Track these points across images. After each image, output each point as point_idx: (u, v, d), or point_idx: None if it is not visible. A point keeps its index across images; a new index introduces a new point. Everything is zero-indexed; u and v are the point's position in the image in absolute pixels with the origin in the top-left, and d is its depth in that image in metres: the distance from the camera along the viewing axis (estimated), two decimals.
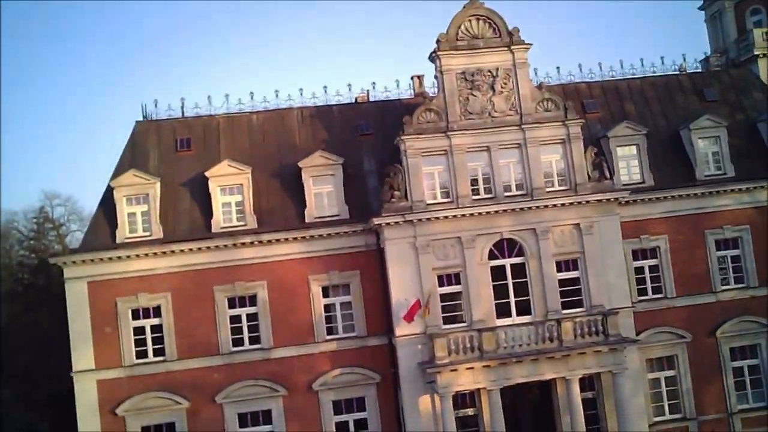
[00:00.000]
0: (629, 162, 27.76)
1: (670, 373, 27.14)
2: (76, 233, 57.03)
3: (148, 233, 26.69)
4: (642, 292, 27.25)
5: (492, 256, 25.31)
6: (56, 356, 50.47)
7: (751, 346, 27.56)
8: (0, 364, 37.32)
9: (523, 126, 25.76)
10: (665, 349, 27.04)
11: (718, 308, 27.43)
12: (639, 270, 27.32)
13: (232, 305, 26.59)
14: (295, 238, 26.46)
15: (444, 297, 25.25)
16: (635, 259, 27.27)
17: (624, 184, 27.01)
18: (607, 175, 25.78)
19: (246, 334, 26.57)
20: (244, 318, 26.61)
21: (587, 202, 25.33)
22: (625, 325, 24.73)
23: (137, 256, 26.07)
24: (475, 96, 25.72)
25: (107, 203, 27.24)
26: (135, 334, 26.26)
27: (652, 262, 27.43)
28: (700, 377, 27.19)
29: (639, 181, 27.64)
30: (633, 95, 30.25)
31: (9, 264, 57.88)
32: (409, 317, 23.88)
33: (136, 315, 26.35)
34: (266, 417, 26.28)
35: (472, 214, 25.02)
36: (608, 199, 25.46)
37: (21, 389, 44.86)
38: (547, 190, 25.57)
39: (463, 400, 25.00)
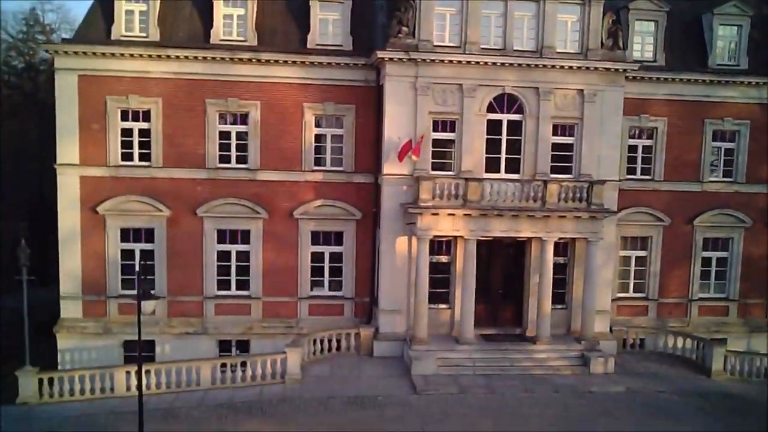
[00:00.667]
0: (644, 38, 27.05)
1: (642, 253, 27.74)
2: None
3: (144, 34, 25.91)
4: (631, 171, 27.33)
5: (491, 109, 24.96)
6: (38, 163, 50.37)
7: (725, 239, 28.11)
8: None
9: None
10: (642, 230, 27.49)
11: (701, 198, 27.68)
12: (632, 149, 27.27)
13: (223, 121, 26.30)
14: (294, 62, 25.80)
15: (436, 143, 25.06)
16: (631, 137, 27.18)
17: (635, 60, 26.33)
18: (621, 45, 25.07)
19: (234, 152, 26.44)
20: (233, 135, 26.38)
21: (596, 68, 24.78)
22: (609, 198, 24.90)
23: (131, 55, 25.37)
24: None
25: None
26: (122, 136, 25.98)
27: (647, 142, 27.36)
28: (669, 261, 27.87)
29: (650, 59, 27.06)
30: None
31: None
32: (401, 156, 23.78)
33: (125, 116, 25.99)
34: (244, 237, 26.65)
35: (478, 63, 24.38)
36: (617, 69, 24.90)
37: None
38: (558, 50, 24.88)
39: (439, 246, 25.39)
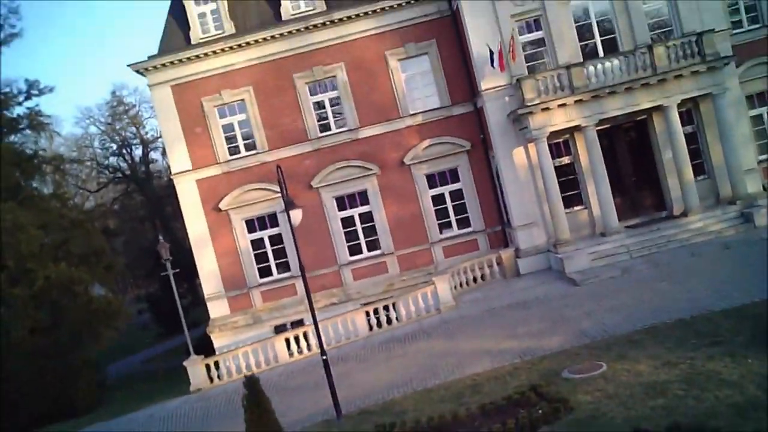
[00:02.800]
0: None
1: None
2: (149, 120, 58.60)
3: (220, 31, 26.75)
4: (737, 24, 25.54)
5: None
6: (151, 231, 53.28)
7: None
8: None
9: None
10: (766, 82, 25.52)
11: None
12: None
13: (313, 91, 26.63)
14: (366, 13, 25.92)
15: (525, 46, 24.36)
16: None
17: None
18: None
19: (331, 119, 26.68)
20: (326, 103, 26.64)
21: None
22: (723, 48, 23.27)
23: (214, 52, 26.19)
24: None
25: (176, 8, 27.30)
26: (225, 132, 26.71)
27: None
28: None
29: None
30: None
31: (93, 154, 60.00)
32: (501, 64, 23.08)
33: (222, 113, 26.80)
34: (362, 197, 26.66)
35: None
36: None
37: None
38: None
39: (557, 149, 24.47)
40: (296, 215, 14.97)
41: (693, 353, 12.50)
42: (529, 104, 22.56)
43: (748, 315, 13.79)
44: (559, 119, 22.73)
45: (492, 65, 23.18)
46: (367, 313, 22.54)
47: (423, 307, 22.36)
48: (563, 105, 22.55)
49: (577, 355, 14.16)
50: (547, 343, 15.62)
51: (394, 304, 22.66)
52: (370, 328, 22.34)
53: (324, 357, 14.96)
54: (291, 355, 22.36)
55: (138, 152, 61.49)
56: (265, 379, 19.01)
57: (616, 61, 22.71)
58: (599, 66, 22.73)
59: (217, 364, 22.70)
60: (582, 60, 23.86)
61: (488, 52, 23.39)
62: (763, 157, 25.71)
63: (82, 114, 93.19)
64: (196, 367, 22.58)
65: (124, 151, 61.34)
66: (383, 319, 22.50)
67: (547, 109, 22.54)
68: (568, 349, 14.78)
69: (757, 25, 25.57)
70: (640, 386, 11.51)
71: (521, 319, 18.40)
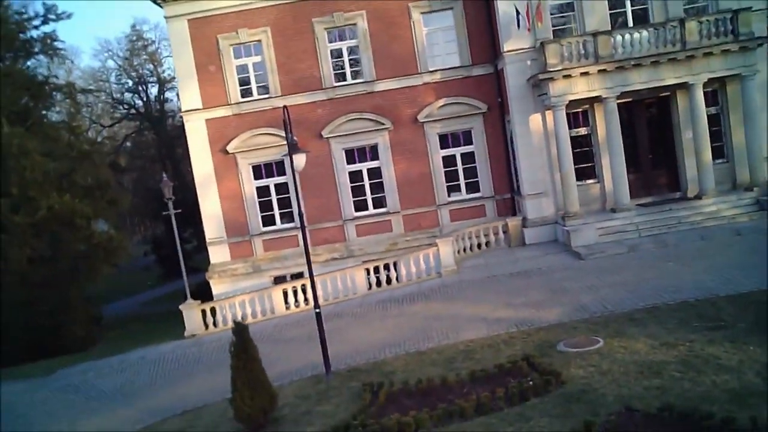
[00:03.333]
0: None
1: None
2: (168, 58, 57.85)
3: None
4: None
5: None
6: (161, 172, 53.21)
7: None
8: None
9: None
10: None
11: None
12: None
13: (332, 39, 25.97)
14: None
15: (553, 9, 23.60)
16: None
17: None
18: None
19: (348, 69, 26.09)
20: (344, 51, 26.02)
21: None
22: (757, 27, 22.41)
23: None
24: None
25: None
26: (238, 73, 26.17)
27: None
28: None
29: None
30: None
31: (109, 88, 59.54)
32: (529, 23, 22.34)
33: (238, 53, 26.22)
34: (373, 152, 26.19)
35: None
36: None
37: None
38: None
39: (575, 118, 23.86)
40: (300, 159, 14.56)
41: (693, 336, 12.17)
42: (551, 69, 21.91)
43: (752, 302, 13.41)
44: (581, 88, 22.09)
45: (518, 26, 22.42)
46: (368, 271, 22.25)
47: (424, 270, 22.08)
48: (586, 73, 21.88)
49: (575, 329, 13.86)
50: (546, 314, 15.31)
51: (395, 264, 22.39)
52: (369, 286, 22.12)
53: (317, 310, 14.73)
54: (288, 307, 22.23)
55: (154, 90, 61.13)
56: (259, 330, 19.07)
57: (645, 33, 21.94)
58: (627, 36, 21.98)
59: (213, 310, 22.58)
60: (610, 29, 23.05)
61: (515, 13, 22.60)
62: None
63: (101, 46, 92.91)
64: (191, 312, 22.48)
65: (140, 88, 60.90)
66: (383, 278, 22.23)
67: (569, 76, 21.88)
68: (566, 322, 14.48)
69: None
70: (635, 365, 11.20)
71: (521, 288, 18.09)
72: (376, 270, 22.35)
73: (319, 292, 21.85)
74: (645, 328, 13.08)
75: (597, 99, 22.57)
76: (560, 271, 19.32)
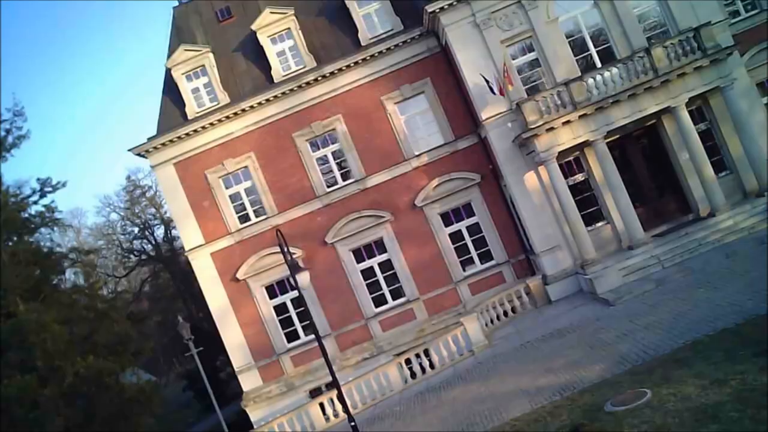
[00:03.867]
0: None
1: None
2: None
3: (215, 102, 26.73)
4: (734, 14, 24.89)
5: (559, 10, 23.61)
6: (183, 308, 53.45)
7: None
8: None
9: None
10: None
11: None
12: None
13: (314, 147, 26.38)
14: (356, 63, 25.71)
15: (521, 69, 23.86)
16: None
17: None
18: None
19: (337, 172, 26.32)
20: (330, 157, 26.31)
21: None
22: (723, 39, 22.57)
23: (212, 124, 26.13)
24: None
25: (170, 87, 27.37)
26: (232, 201, 26.49)
27: None
28: None
29: None
30: None
31: (117, 240, 60.59)
32: (502, 90, 22.61)
33: (228, 183, 26.61)
34: (379, 246, 26.11)
35: None
36: None
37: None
38: None
39: (569, 167, 23.77)
40: (303, 278, 14.38)
41: (743, 366, 11.55)
42: (532, 126, 21.96)
43: None
44: (566, 137, 22.07)
45: (492, 92, 22.67)
46: (400, 365, 21.69)
47: (455, 351, 21.52)
48: (568, 122, 21.92)
49: (619, 384, 13.24)
50: (586, 373, 14.70)
51: (426, 352, 21.84)
52: (405, 380, 21.47)
53: (352, 423, 14.18)
54: (327, 419, 21.58)
55: (160, 232, 61.96)
56: None
57: (615, 70, 22.09)
58: (598, 77, 22.12)
59: None
60: (580, 74, 23.26)
61: (484, 81, 22.91)
62: None
63: (102, 203, 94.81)
64: None
65: (147, 232, 61.82)
66: (417, 368, 21.63)
67: (552, 128, 21.91)
68: (608, 378, 13.86)
69: (756, 11, 24.87)
70: (689, 412, 10.58)
71: (557, 350, 17.49)
72: (408, 362, 21.78)
73: (356, 397, 21.46)
74: (690, 367, 12.46)
75: (586, 143, 22.51)
76: (592, 323, 18.72)
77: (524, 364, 17.59)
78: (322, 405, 21.71)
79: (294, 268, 14.45)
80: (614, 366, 14.48)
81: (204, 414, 48.07)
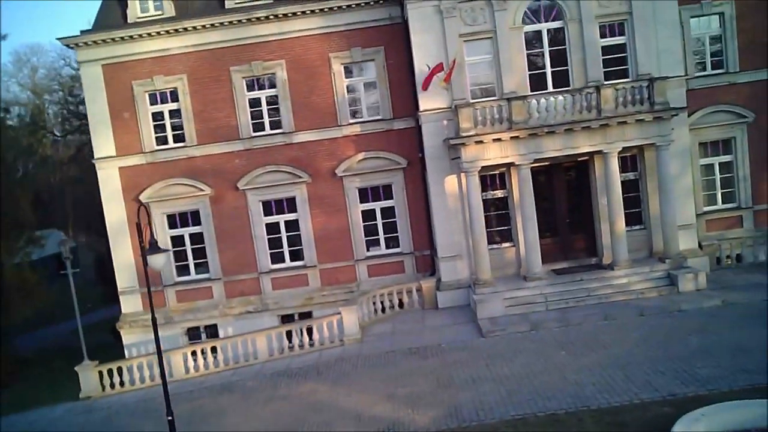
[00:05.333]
0: None
1: (726, 158, 24.62)
2: None
3: (160, 12, 25.24)
4: (700, 67, 24.23)
5: (526, 20, 22.64)
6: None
7: None
8: None
9: None
10: (722, 131, 24.36)
11: None
12: (698, 42, 24.14)
13: (250, 87, 25.23)
14: (313, 11, 24.41)
15: (472, 68, 23.00)
16: (694, 29, 24.04)
17: None
18: None
19: (266, 118, 25.37)
20: (263, 100, 25.29)
21: None
22: (676, 96, 22.05)
23: (149, 35, 24.71)
24: None
25: None
26: (153, 120, 25.40)
27: (714, 32, 24.17)
28: (759, 162, 24.57)
29: None
30: None
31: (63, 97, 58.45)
32: (425, 84, 21.89)
33: (153, 100, 25.45)
34: (290, 204, 25.51)
35: None
36: None
37: None
38: None
39: (492, 181, 23.33)
40: (157, 261, 13.78)
41: None
42: (463, 134, 21.36)
43: (613, 423, 12.85)
44: (493, 154, 21.54)
45: (422, 85, 21.90)
46: (272, 336, 21.63)
47: (328, 336, 21.44)
48: (498, 139, 21.30)
49: None
50: (419, 418, 14.74)
51: (300, 330, 21.73)
52: (270, 353, 21.39)
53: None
54: (187, 371, 21.51)
55: None
56: (148, 397, 18.45)
57: (561, 98, 21.44)
58: (543, 101, 21.47)
59: (110, 372, 21.81)
60: (529, 89, 22.72)
61: (427, 70, 22.05)
62: (709, 208, 24.67)
63: (58, 54, 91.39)
64: (87, 374, 21.79)
65: None
66: (285, 343, 21.59)
67: (482, 142, 21.30)
68: None
69: (721, 71, 24.25)
70: None
71: (410, 374, 17.51)
72: (287, 335, 21.74)
73: (220, 356, 21.38)
74: None
75: (513, 163, 22.01)
76: (457, 351, 18.76)
77: (375, 380, 17.58)
78: (185, 355, 21.58)
79: (151, 246, 13.82)
80: (445, 418, 14.52)
81: (103, 302, 47.62)
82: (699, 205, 24.37)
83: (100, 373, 21.83)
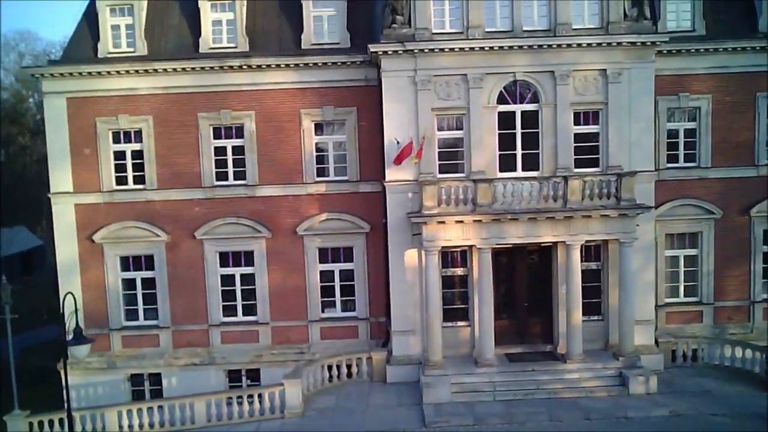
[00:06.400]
0: (679, 6, 23.75)
1: (692, 251, 24.38)
2: None
3: (131, 49, 24.57)
4: (672, 158, 24.05)
5: (501, 100, 22.32)
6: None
7: None
8: None
9: None
10: (689, 225, 24.15)
11: (757, 184, 24.07)
12: (672, 133, 23.94)
13: (217, 135, 24.63)
14: (288, 65, 23.91)
15: (442, 143, 22.64)
16: (670, 120, 23.86)
17: (670, 31, 23.15)
18: (647, 14, 21.93)
19: (231, 168, 24.77)
20: (229, 150, 24.69)
21: (619, 44, 21.74)
22: (644, 191, 21.82)
23: (118, 72, 24.06)
24: None
25: (91, 13, 24.99)
26: (115, 159, 24.74)
27: (689, 125, 24.00)
28: (724, 259, 24.40)
29: (688, 29, 23.77)
30: None
31: None
32: (398, 160, 21.56)
33: (116, 138, 24.76)
34: (248, 258, 24.90)
35: (483, 49, 21.82)
36: (644, 43, 21.76)
37: None
38: (574, 27, 21.97)
39: (453, 257, 22.92)
40: (80, 351, 13.15)
41: None
42: (425, 213, 20.94)
43: None
44: (455, 235, 21.16)
45: (394, 160, 21.48)
46: (211, 402, 20.96)
47: (268, 407, 20.85)
48: (461, 221, 20.88)
49: None
50: None
51: (240, 398, 21.11)
52: (209, 419, 20.74)
53: None
54: (120, 428, 20.77)
55: None
56: None
57: (528, 185, 21.09)
58: (509, 186, 21.12)
59: (41, 424, 21.04)
60: (498, 169, 22.37)
61: (395, 145, 21.64)
62: (671, 300, 24.46)
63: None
64: (17, 424, 20.97)
65: None
66: (224, 410, 20.93)
67: (443, 222, 20.87)
68: None
69: (693, 164, 24.06)
70: None
71: None
72: (219, 402, 21.06)
73: (155, 418, 20.72)
74: None
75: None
76: None
77: None
78: (120, 413, 20.85)
79: (75, 336, 13.21)
80: None
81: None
82: (661, 296, 24.14)
83: (31, 425, 21.03)
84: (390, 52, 21.83)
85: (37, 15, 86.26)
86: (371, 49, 21.88)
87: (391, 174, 22.40)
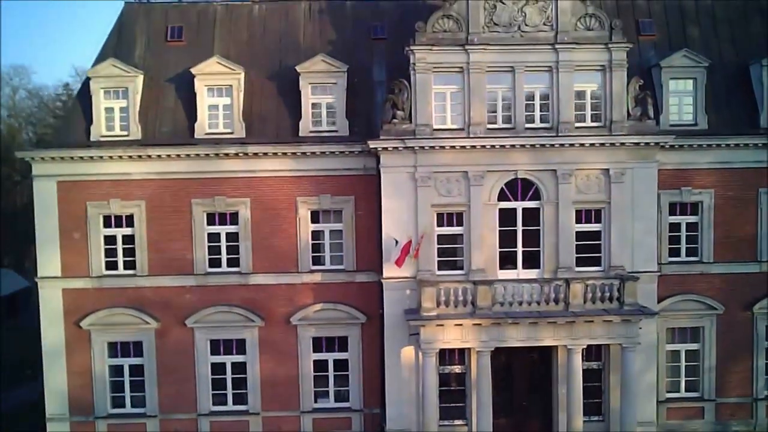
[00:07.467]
0: (682, 99, 23.59)
1: (693, 346, 23.96)
2: None
3: (125, 132, 24.13)
4: (674, 252, 23.72)
5: (502, 197, 22.00)
6: None
7: None
8: None
9: (557, 46, 21.76)
10: (691, 320, 23.76)
11: (760, 280, 23.74)
12: (674, 227, 23.62)
13: (211, 222, 24.11)
14: (285, 153, 23.51)
15: (442, 239, 22.24)
16: (672, 213, 23.56)
17: (672, 125, 23.06)
18: (651, 114, 21.76)
19: (224, 255, 24.21)
20: (223, 237, 24.15)
21: (622, 144, 21.52)
22: (646, 292, 21.49)
23: (111, 157, 23.59)
24: (504, 3, 21.59)
25: (85, 95, 24.56)
26: (105, 243, 24.15)
27: (692, 219, 23.70)
28: (726, 355, 23.99)
29: (690, 123, 23.59)
30: (700, 17, 25.38)
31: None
32: (399, 262, 21.06)
33: (107, 223, 24.18)
34: (240, 347, 24.30)
35: (484, 147, 21.57)
36: (647, 143, 21.50)
37: None
38: (577, 125, 21.77)
39: (451, 355, 22.42)
40: None
41: None
42: (424, 315, 20.45)
43: None
44: (453, 337, 20.74)
45: (391, 259, 21.03)
46: None
47: None
48: (460, 324, 20.39)
49: None
50: None
51: None
52: None
53: None
54: None
55: None
56: None
57: (528, 287, 20.68)
58: (510, 288, 20.68)
59: None
60: (498, 266, 21.92)
61: (393, 243, 21.20)
62: (672, 395, 23.98)
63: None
64: None
65: None
66: None
67: (442, 325, 20.36)
68: None
69: (695, 259, 23.70)
70: None
71: None
72: None
73: None
74: None
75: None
76: None
77: None
78: None
79: None
80: None
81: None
82: (661, 391, 23.63)
83: None
84: (390, 149, 21.49)
85: (33, 51, 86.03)
86: (371, 145, 21.53)
87: (389, 270, 21.96)
